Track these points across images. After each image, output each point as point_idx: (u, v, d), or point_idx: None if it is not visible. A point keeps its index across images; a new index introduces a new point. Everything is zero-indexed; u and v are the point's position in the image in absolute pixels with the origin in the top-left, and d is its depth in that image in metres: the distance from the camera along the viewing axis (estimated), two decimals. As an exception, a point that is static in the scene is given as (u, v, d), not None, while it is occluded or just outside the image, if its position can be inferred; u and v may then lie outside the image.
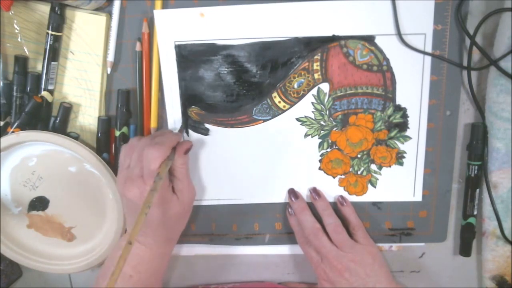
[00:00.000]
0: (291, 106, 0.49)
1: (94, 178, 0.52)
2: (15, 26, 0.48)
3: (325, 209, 0.50)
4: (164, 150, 0.43)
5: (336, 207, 0.52)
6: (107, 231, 0.54)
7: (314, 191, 0.51)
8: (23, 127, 0.49)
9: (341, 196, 0.52)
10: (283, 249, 0.56)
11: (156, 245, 0.47)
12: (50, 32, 0.47)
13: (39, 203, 0.54)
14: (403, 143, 0.50)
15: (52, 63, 0.48)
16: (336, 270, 0.48)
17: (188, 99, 0.50)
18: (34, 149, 0.51)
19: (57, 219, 0.54)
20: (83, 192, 0.53)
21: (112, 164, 0.51)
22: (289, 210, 0.52)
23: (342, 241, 0.48)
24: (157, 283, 0.50)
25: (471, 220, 0.51)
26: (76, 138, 0.51)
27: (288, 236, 0.54)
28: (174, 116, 0.50)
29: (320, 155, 0.51)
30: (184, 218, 0.49)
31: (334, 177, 0.52)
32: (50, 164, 0.52)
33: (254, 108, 0.49)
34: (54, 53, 0.48)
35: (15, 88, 0.49)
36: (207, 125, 0.50)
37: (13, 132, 0.48)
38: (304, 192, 0.52)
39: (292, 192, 0.52)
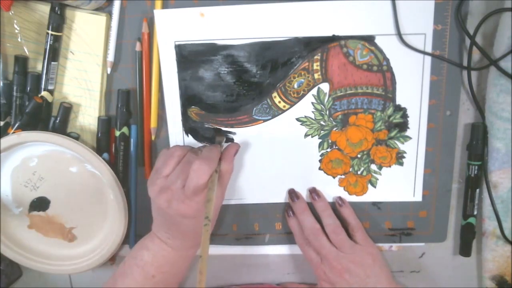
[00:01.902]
0: (291, 106, 0.49)
1: (95, 178, 0.52)
2: (15, 26, 0.48)
3: (324, 209, 0.50)
4: (214, 164, 0.44)
5: (335, 207, 0.52)
6: (108, 231, 0.54)
7: (314, 192, 0.51)
8: (23, 127, 0.49)
9: (339, 197, 0.52)
10: (283, 249, 0.56)
11: (183, 248, 0.48)
12: (50, 32, 0.47)
13: (40, 204, 0.54)
14: (403, 143, 0.50)
15: (52, 63, 0.48)
16: (336, 270, 0.48)
17: (188, 99, 0.50)
18: (35, 150, 0.51)
19: (58, 220, 0.54)
20: (84, 192, 0.52)
21: (113, 164, 0.51)
22: (288, 212, 0.52)
23: (342, 242, 0.48)
24: (176, 284, 0.51)
25: (471, 220, 0.51)
26: (77, 138, 0.51)
27: (288, 236, 0.54)
28: (174, 116, 0.50)
29: (320, 155, 0.51)
30: (213, 224, 0.50)
31: (334, 177, 0.52)
32: (51, 164, 0.52)
33: (254, 108, 0.49)
34: (54, 53, 0.48)
35: (15, 88, 0.49)
36: (206, 125, 0.50)
37: (13, 133, 0.49)
38: (304, 192, 0.52)
39: (293, 193, 0.52)
